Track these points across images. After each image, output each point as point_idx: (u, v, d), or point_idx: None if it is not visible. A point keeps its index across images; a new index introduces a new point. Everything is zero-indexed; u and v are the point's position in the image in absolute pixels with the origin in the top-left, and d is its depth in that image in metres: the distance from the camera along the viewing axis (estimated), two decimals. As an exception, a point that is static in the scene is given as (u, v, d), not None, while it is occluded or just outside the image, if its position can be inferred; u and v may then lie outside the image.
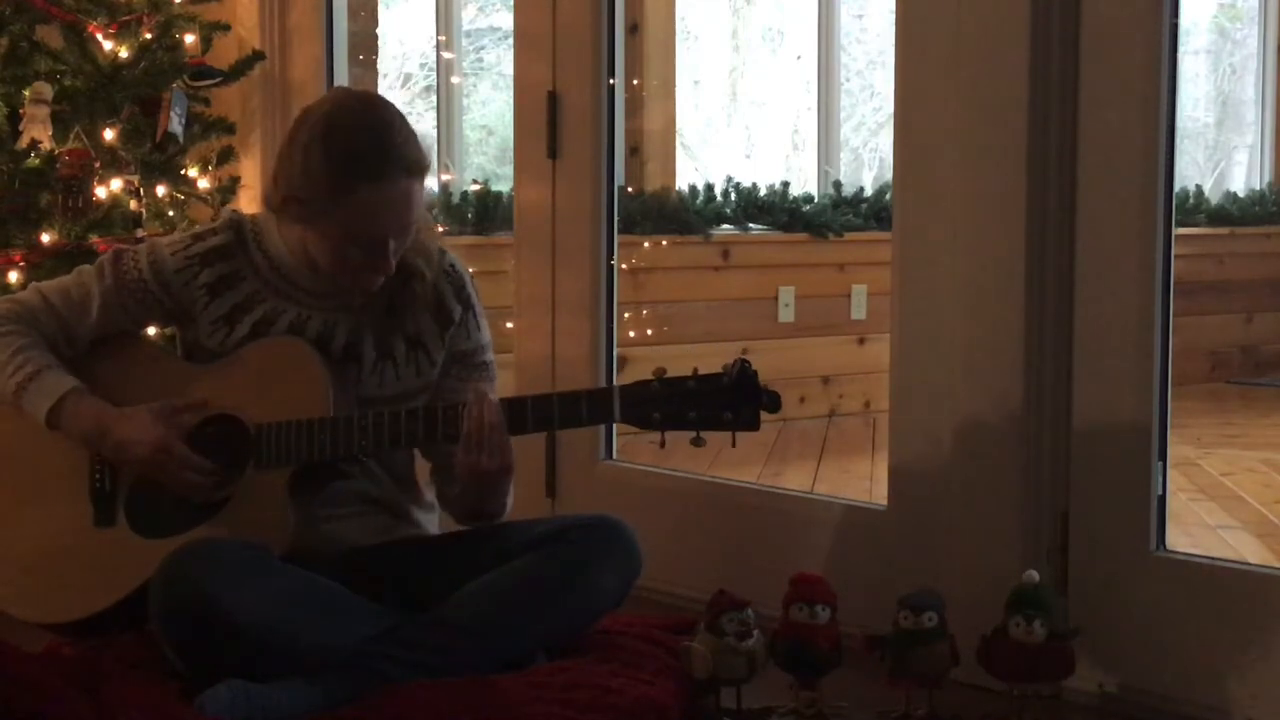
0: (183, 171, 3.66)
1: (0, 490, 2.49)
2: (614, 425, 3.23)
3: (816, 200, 5.70)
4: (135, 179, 3.48)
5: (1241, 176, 7.31)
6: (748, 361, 2.19)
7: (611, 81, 3.23)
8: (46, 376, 2.39)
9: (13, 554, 2.45)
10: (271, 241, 2.44)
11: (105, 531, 2.40)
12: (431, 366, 2.49)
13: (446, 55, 6.17)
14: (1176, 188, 2.74)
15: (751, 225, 5.45)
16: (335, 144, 2.26)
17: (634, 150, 5.33)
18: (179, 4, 3.66)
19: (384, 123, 2.29)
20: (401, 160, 2.27)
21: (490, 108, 6.84)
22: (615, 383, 2.26)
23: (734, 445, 2.22)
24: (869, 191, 5.79)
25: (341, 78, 3.96)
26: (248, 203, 3.77)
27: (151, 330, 2.65)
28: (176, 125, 3.51)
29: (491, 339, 2.57)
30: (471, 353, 2.51)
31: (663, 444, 2.24)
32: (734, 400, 2.18)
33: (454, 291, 2.49)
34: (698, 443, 2.20)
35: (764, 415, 2.21)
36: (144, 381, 2.45)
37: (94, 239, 3.36)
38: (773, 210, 5.49)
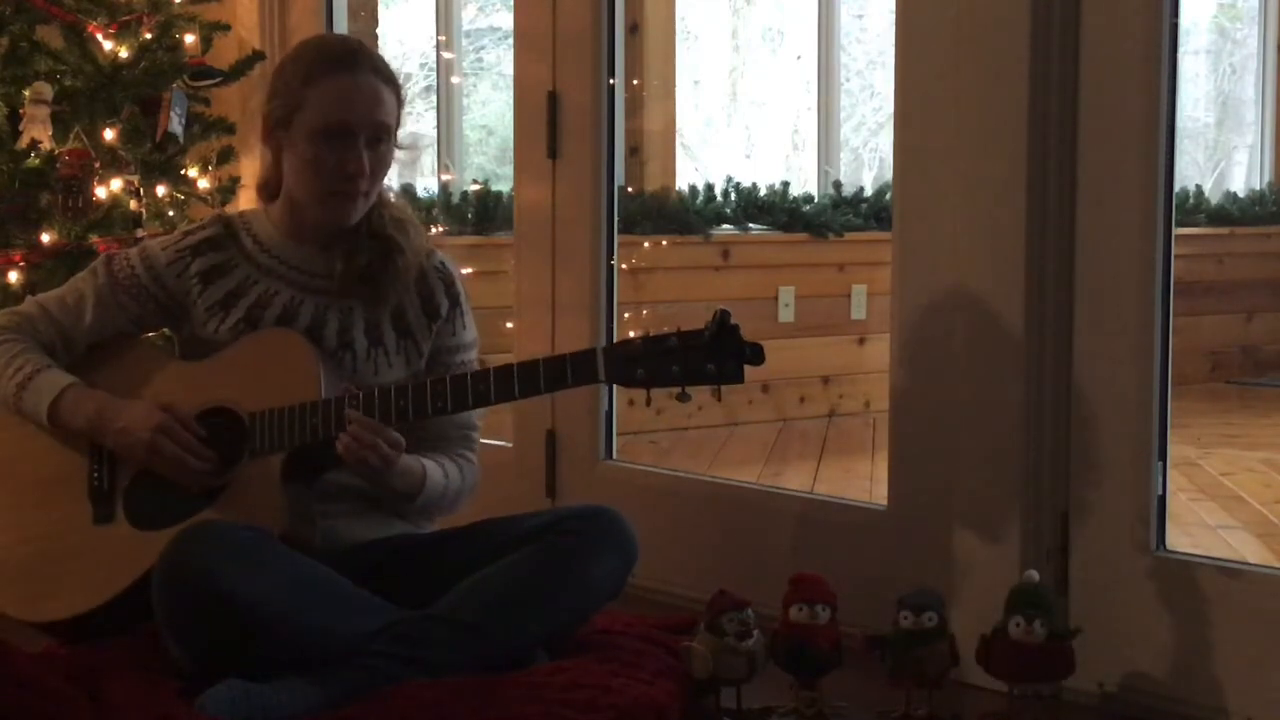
0: (183, 171, 3.66)
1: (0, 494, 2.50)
2: (614, 424, 3.25)
3: (816, 200, 5.70)
4: (135, 179, 3.49)
5: (1241, 176, 7.31)
6: (728, 313, 2.18)
7: (611, 81, 3.23)
8: (45, 375, 2.44)
9: (13, 557, 2.46)
10: (260, 226, 2.51)
11: (105, 528, 2.41)
12: (419, 357, 2.53)
13: (446, 55, 6.17)
14: (1176, 188, 2.74)
15: (751, 225, 5.45)
16: (306, 51, 2.47)
17: (634, 150, 5.33)
18: (179, 4, 3.66)
19: (348, 38, 2.59)
20: (368, 60, 2.42)
21: (490, 108, 6.85)
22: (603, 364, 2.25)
23: (719, 399, 2.21)
24: (869, 191, 5.79)
25: (341, 78, 3.95)
26: (248, 203, 3.76)
27: (150, 334, 2.67)
28: (176, 125, 3.51)
29: (478, 339, 2.60)
30: (453, 350, 2.55)
31: (649, 401, 2.23)
32: (717, 354, 2.17)
33: (444, 288, 2.54)
34: (683, 398, 2.20)
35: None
36: (140, 380, 2.47)
37: (94, 239, 3.36)
38: (773, 210, 5.49)
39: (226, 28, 3.78)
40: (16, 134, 3.39)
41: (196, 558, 2.17)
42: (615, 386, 2.96)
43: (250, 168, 3.86)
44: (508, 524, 2.47)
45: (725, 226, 5.39)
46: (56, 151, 3.38)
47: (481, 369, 2.32)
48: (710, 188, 5.48)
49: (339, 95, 2.37)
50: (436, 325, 2.53)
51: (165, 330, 2.67)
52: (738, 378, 2.18)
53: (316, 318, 2.46)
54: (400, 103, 2.45)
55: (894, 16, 2.73)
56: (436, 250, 2.58)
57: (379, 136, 2.40)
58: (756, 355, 2.18)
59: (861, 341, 5.42)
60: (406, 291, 2.50)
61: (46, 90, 3.40)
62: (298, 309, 2.47)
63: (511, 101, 3.43)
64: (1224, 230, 6.46)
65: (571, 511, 2.47)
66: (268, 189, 2.54)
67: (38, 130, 3.37)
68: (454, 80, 6.19)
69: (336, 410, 2.31)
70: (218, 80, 3.72)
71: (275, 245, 2.49)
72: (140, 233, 3.38)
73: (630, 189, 5.21)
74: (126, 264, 2.50)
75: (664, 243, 5.18)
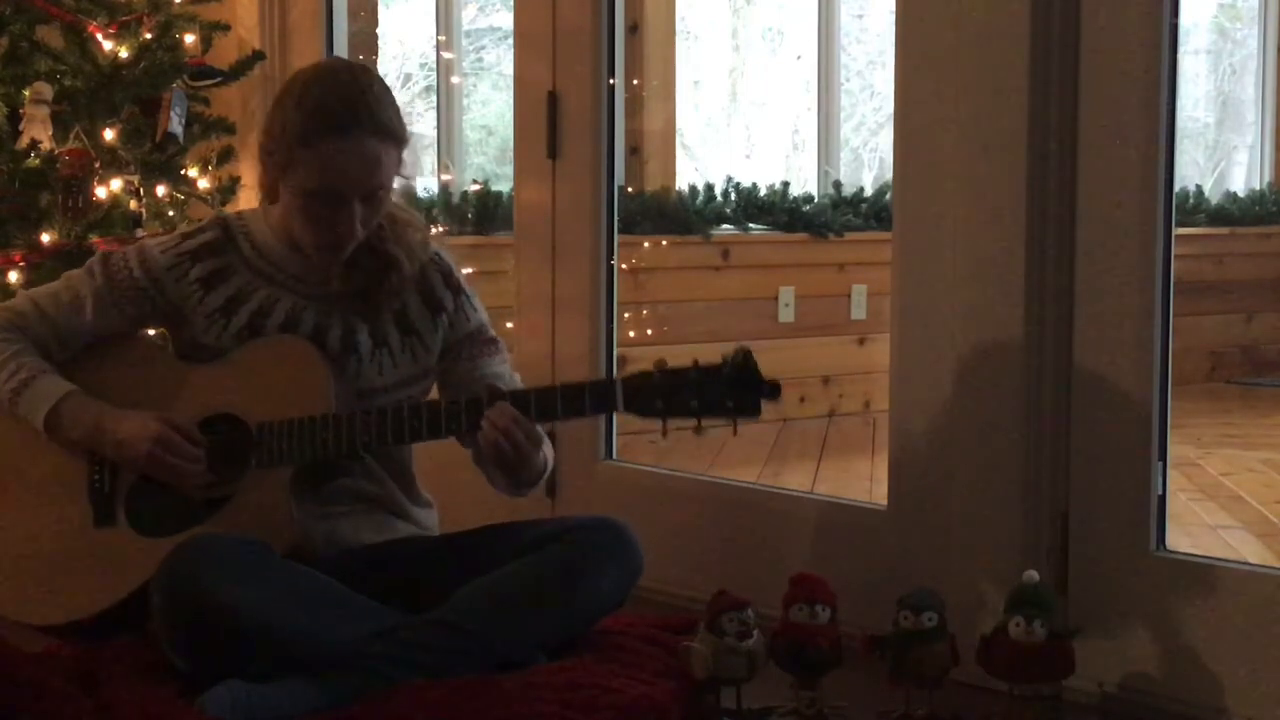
0: (183, 171, 3.66)
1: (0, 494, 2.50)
2: (614, 424, 3.24)
3: (816, 200, 5.70)
4: (135, 179, 3.49)
5: (1241, 176, 7.32)
6: (749, 350, 2.20)
7: (611, 81, 3.23)
8: (42, 381, 2.41)
9: (13, 557, 2.45)
10: (259, 232, 2.48)
11: (106, 531, 2.40)
12: (427, 353, 2.51)
13: (446, 55, 6.18)
14: (1176, 188, 2.74)
15: (751, 225, 5.45)
16: (308, 99, 2.32)
17: (634, 150, 5.33)
18: (179, 4, 3.66)
19: (358, 85, 2.33)
20: (370, 120, 2.31)
21: (490, 108, 6.85)
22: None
23: (735, 433, 2.23)
24: (869, 191, 5.79)
25: (341, 78, 3.95)
26: (248, 203, 3.76)
27: (150, 331, 2.65)
28: (176, 125, 3.51)
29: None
30: (477, 331, 2.54)
31: (664, 433, 2.24)
32: (735, 388, 2.19)
33: (442, 279, 2.53)
34: (699, 431, 2.21)
35: (765, 415, 2.22)
36: (142, 382, 2.46)
37: (94, 239, 3.36)
38: (773, 210, 5.49)
39: (226, 28, 3.78)
40: (16, 134, 3.39)
41: (194, 576, 2.16)
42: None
43: (250, 168, 3.86)
44: (513, 530, 2.46)
45: (725, 226, 5.39)
46: (56, 151, 3.38)
47: (494, 389, 2.31)
48: (710, 188, 5.48)
49: (333, 163, 2.29)
50: (445, 319, 2.51)
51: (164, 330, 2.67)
52: (755, 413, 2.21)
53: (319, 323, 2.44)
54: (401, 156, 2.37)
55: (894, 16, 2.73)
56: (431, 243, 2.55)
57: (372, 195, 2.35)
58: (774, 391, 2.21)
59: (861, 341, 5.43)
60: (406, 290, 2.49)
61: (46, 90, 3.40)
62: (300, 315, 2.44)
63: (511, 101, 3.43)
64: (1224, 230, 6.47)
65: (578, 522, 2.46)
66: (269, 194, 2.48)
67: (38, 130, 3.37)
68: (454, 80, 6.19)
69: (347, 426, 2.30)
70: (218, 80, 3.72)
71: (273, 253, 2.46)
72: (140, 233, 3.38)
73: (630, 189, 5.21)
74: (124, 266, 2.46)
75: (664, 243, 5.18)
